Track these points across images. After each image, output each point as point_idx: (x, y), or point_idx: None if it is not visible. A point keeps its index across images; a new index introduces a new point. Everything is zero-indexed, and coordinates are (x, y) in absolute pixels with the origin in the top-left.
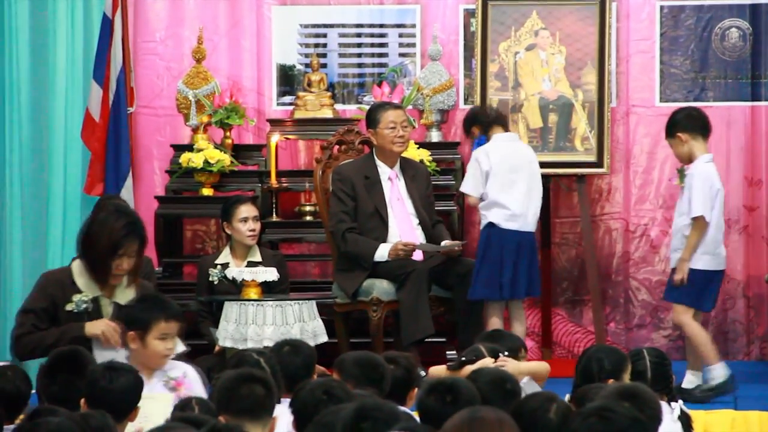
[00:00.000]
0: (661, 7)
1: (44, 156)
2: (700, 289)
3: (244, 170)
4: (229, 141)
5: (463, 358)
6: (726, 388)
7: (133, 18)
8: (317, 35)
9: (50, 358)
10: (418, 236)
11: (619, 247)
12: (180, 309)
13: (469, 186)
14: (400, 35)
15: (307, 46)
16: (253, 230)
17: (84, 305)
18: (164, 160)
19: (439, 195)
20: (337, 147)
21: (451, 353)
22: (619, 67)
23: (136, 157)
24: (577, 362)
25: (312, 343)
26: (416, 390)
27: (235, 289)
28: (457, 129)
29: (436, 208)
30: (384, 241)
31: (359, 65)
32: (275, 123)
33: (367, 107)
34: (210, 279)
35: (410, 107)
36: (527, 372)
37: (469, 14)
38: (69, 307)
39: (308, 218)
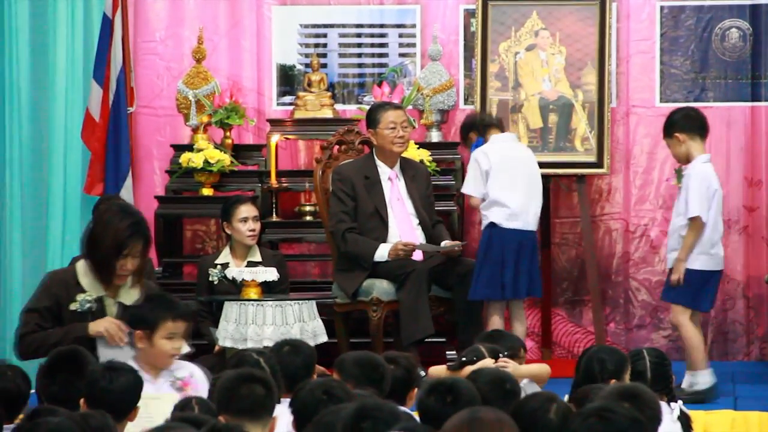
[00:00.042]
0: (662, 8)
1: (44, 156)
2: (697, 289)
3: (244, 170)
4: (229, 141)
5: (464, 359)
6: (707, 396)
7: (133, 18)
8: (317, 35)
9: (50, 358)
10: (418, 236)
11: (619, 248)
12: (188, 309)
13: (470, 187)
14: (400, 35)
15: (307, 46)
16: (253, 230)
17: (88, 305)
18: (164, 160)
19: (439, 195)
20: (337, 147)
21: (451, 353)
22: (619, 67)
23: (136, 157)
24: (577, 362)
25: (312, 343)
26: (416, 390)
27: (235, 289)
28: (457, 129)
29: (436, 208)
30: (384, 241)
31: (359, 65)
32: (275, 123)
33: (367, 107)
34: (210, 279)
35: (410, 107)
36: (527, 375)
37: (469, 14)
38: (73, 306)
39: (308, 218)
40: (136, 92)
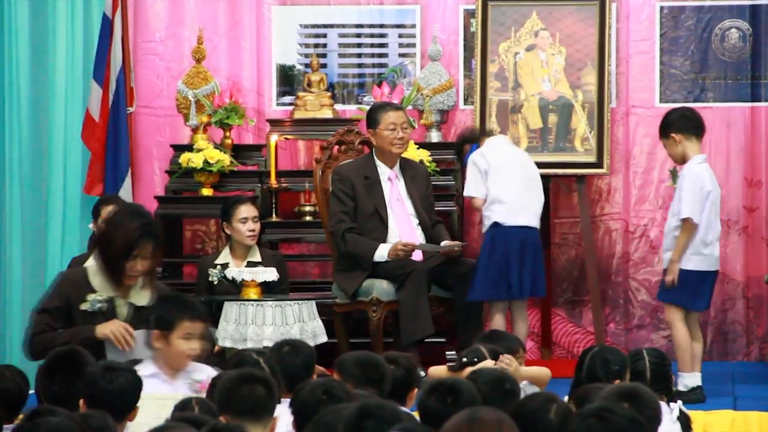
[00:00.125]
0: (661, 8)
1: (44, 156)
2: (691, 289)
3: (243, 170)
4: (228, 141)
5: (464, 360)
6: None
7: (133, 18)
8: (317, 35)
9: (49, 358)
10: (417, 236)
11: (618, 248)
12: (205, 309)
13: (471, 189)
14: (400, 35)
15: (307, 46)
16: (253, 230)
17: (99, 305)
18: (164, 160)
19: (439, 195)
20: (336, 147)
21: (450, 353)
22: (618, 67)
23: (136, 157)
24: (578, 363)
25: (312, 344)
26: (416, 390)
27: (234, 290)
28: (457, 129)
29: (435, 208)
30: (384, 241)
31: (359, 65)
32: (275, 123)
33: (367, 107)
34: (210, 279)
35: (410, 107)
36: (527, 377)
37: (469, 15)
38: (84, 306)
39: (308, 218)
40: (135, 92)
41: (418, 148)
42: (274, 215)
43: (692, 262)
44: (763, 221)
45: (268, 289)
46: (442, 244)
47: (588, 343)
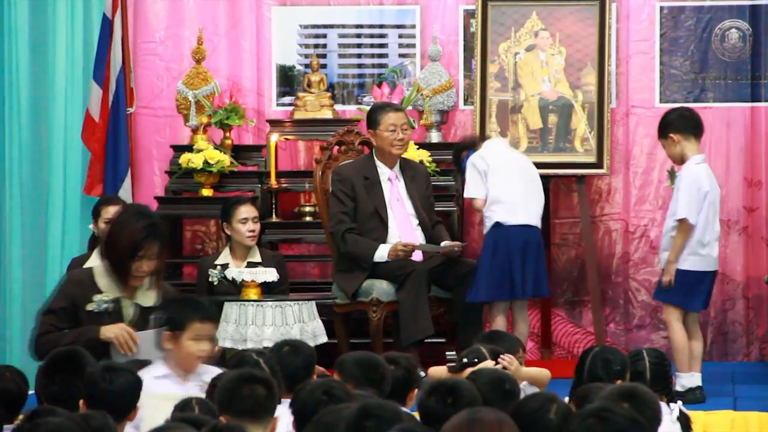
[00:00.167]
0: (661, 8)
1: (44, 156)
2: (687, 289)
3: (243, 171)
4: (228, 141)
5: (465, 360)
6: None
7: (132, 18)
8: (317, 36)
9: (49, 359)
10: (417, 237)
11: (618, 248)
12: (215, 311)
13: (471, 190)
14: (400, 36)
15: (306, 46)
16: (253, 231)
17: (105, 305)
18: (164, 160)
19: (439, 196)
20: (336, 147)
21: (450, 354)
22: (618, 67)
23: (136, 157)
24: (578, 363)
25: (312, 344)
26: (416, 391)
27: (234, 290)
28: (457, 130)
29: (435, 208)
30: (384, 241)
31: (359, 66)
32: (275, 123)
33: (367, 108)
34: (210, 280)
35: (410, 108)
36: (527, 377)
37: (469, 15)
38: (90, 307)
39: (308, 219)
40: (135, 93)
41: (418, 149)
42: (274, 216)
43: (689, 263)
44: (763, 221)
45: (268, 290)
46: (442, 244)
47: (588, 344)
